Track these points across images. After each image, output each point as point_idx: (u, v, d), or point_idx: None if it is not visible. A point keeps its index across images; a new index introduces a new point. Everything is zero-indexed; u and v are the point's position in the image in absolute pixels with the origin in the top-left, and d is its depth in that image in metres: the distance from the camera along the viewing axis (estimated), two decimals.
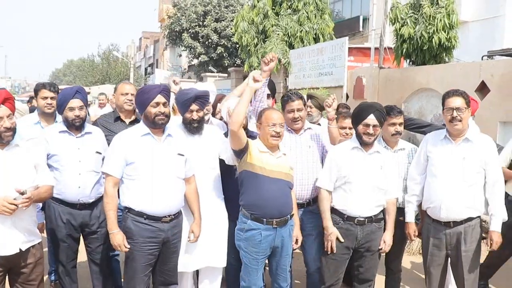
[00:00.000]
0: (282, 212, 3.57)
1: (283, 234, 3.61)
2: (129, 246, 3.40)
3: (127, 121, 4.33)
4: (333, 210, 3.77)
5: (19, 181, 3.06)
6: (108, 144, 3.89)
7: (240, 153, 3.52)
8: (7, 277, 3.24)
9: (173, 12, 25.84)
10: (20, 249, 3.13)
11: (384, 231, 3.82)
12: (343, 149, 3.77)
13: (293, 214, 3.71)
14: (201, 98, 3.79)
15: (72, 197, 3.81)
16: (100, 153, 3.95)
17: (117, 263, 4.41)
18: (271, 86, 4.37)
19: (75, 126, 3.84)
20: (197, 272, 4.12)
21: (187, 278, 3.94)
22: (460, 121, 3.58)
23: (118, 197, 3.55)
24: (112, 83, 34.17)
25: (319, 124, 4.71)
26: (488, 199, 3.66)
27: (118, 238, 3.39)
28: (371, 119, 3.63)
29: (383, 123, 3.76)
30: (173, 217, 3.52)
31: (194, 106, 3.75)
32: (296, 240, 3.80)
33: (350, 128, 4.15)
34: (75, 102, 3.81)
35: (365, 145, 3.70)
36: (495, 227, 3.63)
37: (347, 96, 10.33)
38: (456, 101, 3.61)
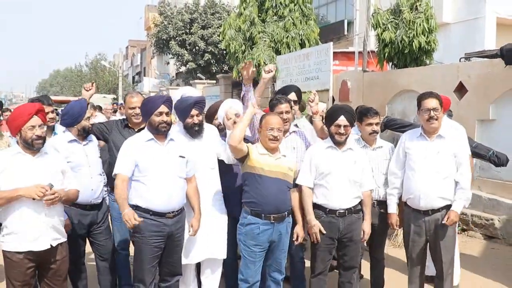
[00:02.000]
0: (279, 209, 3.87)
1: (281, 230, 3.91)
2: (140, 219, 3.59)
3: (136, 128, 4.53)
4: (316, 206, 4.07)
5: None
6: (109, 147, 4.42)
7: (242, 159, 3.86)
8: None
9: (159, 20, 26.04)
10: (51, 245, 3.47)
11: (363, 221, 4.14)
12: (319, 149, 4.11)
13: (291, 211, 4.01)
14: (200, 103, 4.15)
15: (86, 199, 4.13)
16: (100, 158, 4.38)
17: (127, 262, 4.63)
18: (299, 94, 4.79)
19: (87, 134, 4.24)
20: (198, 267, 4.39)
21: (190, 270, 4.26)
22: (437, 119, 3.96)
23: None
24: (100, 92, 34.12)
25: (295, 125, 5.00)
26: (457, 183, 4.03)
27: (128, 214, 3.59)
28: (342, 120, 3.97)
29: (353, 123, 4.09)
30: (176, 213, 3.84)
31: (194, 111, 4.10)
32: (297, 236, 4.05)
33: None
34: (87, 114, 4.21)
35: (338, 143, 4.03)
36: (456, 207, 4.00)
37: (333, 99, 10.51)
38: (432, 102, 3.98)
